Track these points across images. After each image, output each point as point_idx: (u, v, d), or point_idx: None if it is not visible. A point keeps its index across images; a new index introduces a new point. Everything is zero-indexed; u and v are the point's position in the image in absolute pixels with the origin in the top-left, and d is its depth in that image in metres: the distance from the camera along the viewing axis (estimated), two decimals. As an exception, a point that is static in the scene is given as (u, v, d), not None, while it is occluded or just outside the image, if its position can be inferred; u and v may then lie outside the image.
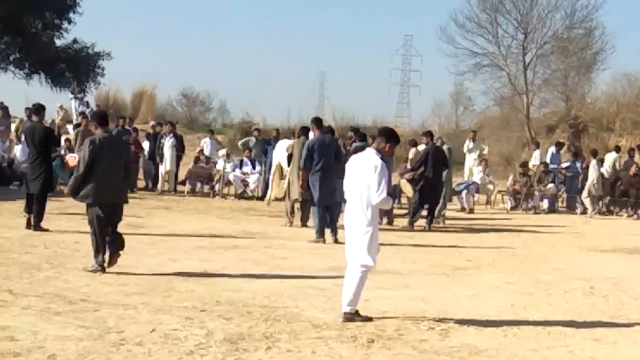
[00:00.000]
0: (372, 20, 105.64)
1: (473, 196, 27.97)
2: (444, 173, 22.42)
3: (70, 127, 30.18)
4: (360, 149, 16.92)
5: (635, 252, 18.20)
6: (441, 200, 22.52)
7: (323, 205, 17.85)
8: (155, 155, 28.61)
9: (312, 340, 9.10)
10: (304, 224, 20.08)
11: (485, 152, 31.13)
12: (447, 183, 23.41)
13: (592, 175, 27.48)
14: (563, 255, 17.25)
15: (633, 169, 28.28)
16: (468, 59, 50.79)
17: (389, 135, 10.49)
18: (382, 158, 10.18)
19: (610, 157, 29.70)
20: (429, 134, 22.53)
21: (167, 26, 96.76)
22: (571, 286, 13.32)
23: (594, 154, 28.96)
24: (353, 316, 10.06)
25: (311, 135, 19.21)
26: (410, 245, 17.34)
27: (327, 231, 17.68)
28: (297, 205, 20.42)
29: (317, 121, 19.28)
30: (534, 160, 32.08)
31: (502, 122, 50.38)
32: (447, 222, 22.91)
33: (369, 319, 10.09)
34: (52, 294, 10.80)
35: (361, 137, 20.85)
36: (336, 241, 17.07)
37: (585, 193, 27.72)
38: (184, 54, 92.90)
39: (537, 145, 34.20)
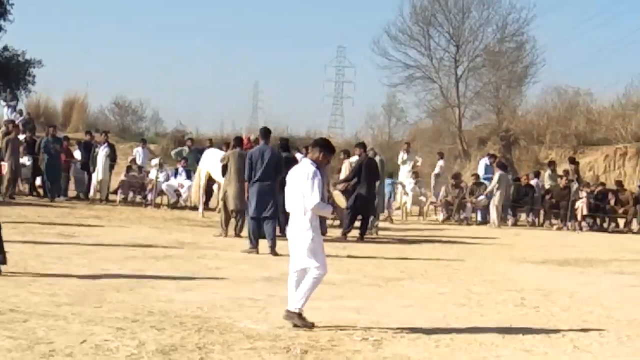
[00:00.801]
0: (306, 30, 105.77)
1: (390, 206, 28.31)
2: (377, 184, 22.53)
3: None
4: (286, 160, 17.06)
5: (565, 264, 18.38)
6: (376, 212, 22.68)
7: (255, 217, 17.77)
8: (89, 165, 28.36)
9: (245, 351, 9.05)
10: (237, 233, 20.02)
11: (419, 163, 31.34)
12: (379, 195, 23.49)
13: (495, 186, 27.55)
14: (495, 267, 17.37)
15: (563, 182, 28.61)
16: (401, 71, 51.19)
17: (323, 146, 10.60)
18: (317, 167, 10.27)
19: (547, 175, 30.07)
20: (362, 146, 22.61)
21: (100, 34, 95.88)
22: (502, 297, 13.41)
23: (501, 166, 29.12)
24: (294, 315, 10.09)
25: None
26: (344, 257, 17.37)
27: (263, 242, 17.59)
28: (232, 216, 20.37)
29: (264, 132, 18.91)
30: (437, 169, 32.42)
31: (435, 134, 50.77)
32: (380, 233, 22.96)
33: (310, 325, 10.11)
34: (-20, 305, 10.62)
35: (284, 147, 20.68)
36: (273, 253, 17.07)
37: (492, 204, 27.80)
38: (116, 63, 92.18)
39: (442, 156, 34.18)
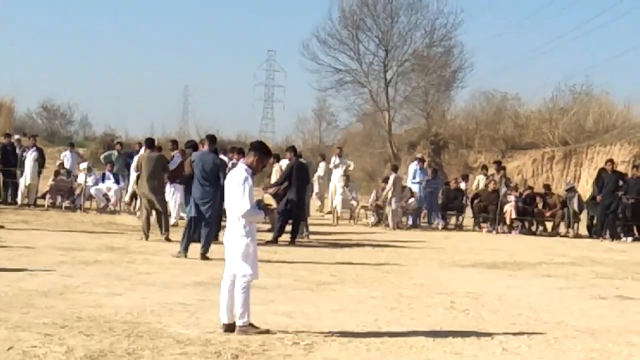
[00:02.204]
0: (236, 34, 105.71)
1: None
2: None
3: None
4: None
5: (494, 267, 18.53)
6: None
7: (192, 220, 17.72)
8: (17, 169, 28.06)
9: (176, 357, 8.98)
10: (166, 235, 19.95)
11: (352, 168, 31.39)
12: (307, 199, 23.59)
13: (391, 188, 27.77)
14: (425, 270, 17.45)
15: (491, 185, 28.88)
16: (330, 75, 51.48)
17: (259, 149, 10.56)
18: (253, 172, 10.29)
19: (481, 178, 30.30)
20: (293, 149, 22.58)
21: (28, 36, 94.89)
22: (433, 300, 13.48)
23: (395, 168, 29.39)
24: (247, 329, 10.05)
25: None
26: (276, 261, 17.33)
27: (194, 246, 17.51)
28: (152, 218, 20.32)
29: (210, 138, 18.82)
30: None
31: (365, 138, 51.07)
32: (311, 237, 22.97)
33: (265, 332, 10.12)
34: None
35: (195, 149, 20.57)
36: (203, 257, 17.01)
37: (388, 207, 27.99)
38: (44, 66, 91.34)
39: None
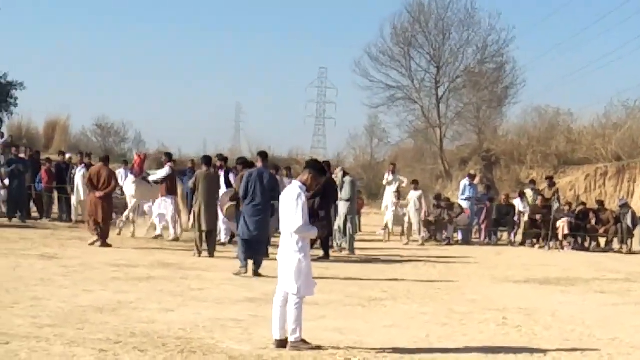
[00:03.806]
0: (288, 52, 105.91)
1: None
2: (346, 205, 22.68)
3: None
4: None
5: (546, 283, 18.39)
6: (347, 232, 22.73)
7: (244, 238, 17.52)
8: (67, 186, 28.31)
9: (228, 372, 9.02)
10: (211, 254, 20.01)
11: (405, 184, 31.23)
12: (353, 215, 23.55)
13: (413, 205, 27.78)
14: (477, 286, 17.36)
15: (540, 201, 28.70)
16: (382, 92, 51.40)
17: (314, 167, 10.69)
18: (307, 190, 10.37)
19: (529, 193, 30.10)
20: (327, 165, 22.01)
21: (83, 56, 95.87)
22: (485, 317, 13.40)
23: (415, 184, 29.27)
24: (299, 345, 10.06)
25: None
26: (328, 277, 17.32)
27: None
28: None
29: (262, 155, 18.80)
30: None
31: (416, 154, 50.90)
32: (362, 253, 22.93)
33: (317, 348, 10.13)
34: (-38, 327, 10.56)
35: (246, 165, 20.52)
36: (256, 274, 16.99)
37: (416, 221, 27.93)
38: (99, 85, 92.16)
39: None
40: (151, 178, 24.81)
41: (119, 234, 24.10)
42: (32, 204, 29.52)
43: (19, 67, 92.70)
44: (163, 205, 23.88)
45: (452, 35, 50.68)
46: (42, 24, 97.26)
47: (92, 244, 21.31)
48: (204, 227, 20.07)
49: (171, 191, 23.66)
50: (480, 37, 50.52)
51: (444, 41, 50.61)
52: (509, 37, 50.04)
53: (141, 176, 25.13)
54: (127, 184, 25.48)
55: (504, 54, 50.60)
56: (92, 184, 21.90)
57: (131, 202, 25.06)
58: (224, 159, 24.35)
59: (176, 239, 23.36)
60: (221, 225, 22.93)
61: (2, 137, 36.04)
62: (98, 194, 21.74)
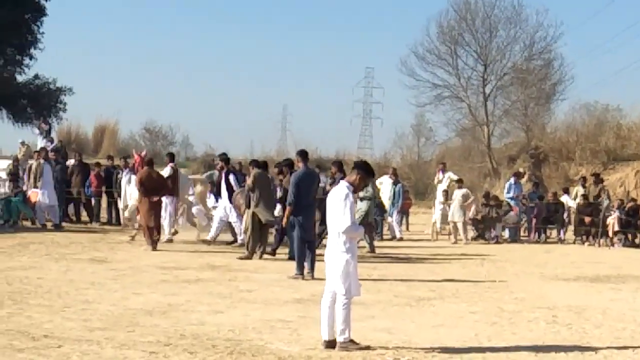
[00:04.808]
0: (334, 52, 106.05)
1: (400, 224, 29.05)
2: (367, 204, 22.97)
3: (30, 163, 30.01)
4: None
5: (596, 280, 18.26)
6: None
7: (306, 241, 17.41)
8: (114, 190, 28.43)
9: (277, 373, 9.05)
10: (265, 253, 20.07)
11: (456, 179, 31.05)
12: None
13: (457, 204, 27.74)
14: (526, 285, 17.27)
15: (581, 200, 28.52)
16: (429, 91, 51.29)
17: (361, 168, 10.73)
18: (354, 190, 10.42)
19: (579, 190, 29.86)
20: (338, 164, 21.15)
21: (130, 61, 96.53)
22: (534, 315, 13.34)
23: (460, 182, 29.24)
24: (348, 345, 10.12)
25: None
26: (375, 277, 17.32)
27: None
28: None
29: (303, 154, 18.54)
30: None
31: (464, 152, 50.70)
32: (407, 252, 22.92)
33: (366, 348, 10.17)
34: (15, 331, 10.68)
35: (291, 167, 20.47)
36: (312, 277, 16.83)
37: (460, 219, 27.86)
38: (146, 89, 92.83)
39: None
40: None
41: (133, 239, 23.53)
42: (82, 208, 29.81)
43: (68, 72, 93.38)
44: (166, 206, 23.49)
45: (499, 32, 50.47)
46: (90, 29, 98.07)
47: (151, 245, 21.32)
48: (265, 220, 20.06)
49: (172, 192, 23.49)
50: (527, 34, 50.24)
51: (491, 39, 50.39)
52: (557, 33, 49.70)
53: None
54: (132, 186, 24.90)
55: (551, 51, 50.27)
56: (144, 189, 21.74)
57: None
58: (225, 159, 24.26)
59: (170, 240, 23.27)
60: (234, 225, 23.15)
61: (52, 142, 36.41)
62: (153, 198, 21.71)
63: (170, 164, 24.07)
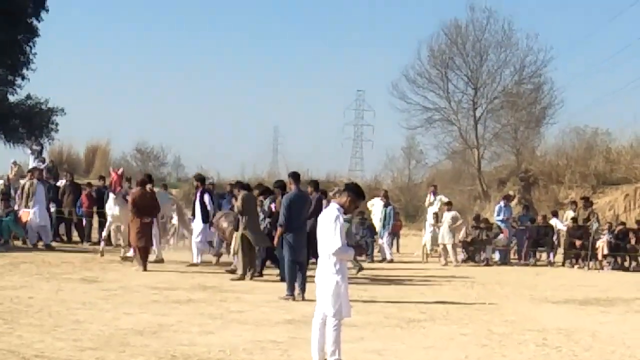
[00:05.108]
0: (325, 75, 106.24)
1: (391, 246, 29.03)
2: None
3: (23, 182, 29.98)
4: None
5: (586, 303, 18.27)
6: None
7: (297, 261, 17.42)
8: (104, 211, 28.33)
9: (268, 394, 9.05)
10: (257, 274, 20.06)
11: (445, 199, 31.08)
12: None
13: (446, 226, 27.89)
14: (515, 307, 17.28)
15: (571, 223, 28.60)
16: (419, 114, 51.27)
17: (352, 190, 10.70)
18: (344, 212, 10.42)
19: (570, 214, 29.91)
20: (314, 184, 21.34)
21: (121, 82, 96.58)
22: (524, 337, 13.35)
23: (449, 205, 29.32)
24: None
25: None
26: (366, 299, 17.31)
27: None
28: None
29: (295, 176, 18.61)
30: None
31: (454, 175, 50.70)
32: (400, 273, 22.92)
33: None
34: (5, 350, 10.66)
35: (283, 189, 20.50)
36: (303, 298, 16.83)
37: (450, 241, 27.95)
38: (137, 110, 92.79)
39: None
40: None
41: (124, 259, 23.43)
42: (73, 227, 29.79)
43: (59, 93, 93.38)
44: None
45: (489, 56, 50.48)
46: (82, 49, 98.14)
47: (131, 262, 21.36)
48: (259, 244, 20.23)
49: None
50: (517, 58, 50.26)
51: (482, 62, 50.43)
52: (547, 57, 49.66)
53: (120, 193, 24.28)
54: (109, 203, 24.71)
55: (541, 75, 50.27)
56: (137, 209, 21.72)
57: (114, 222, 24.85)
58: (200, 179, 24.39)
59: (160, 260, 23.28)
60: (194, 246, 23.23)
61: (44, 162, 36.39)
62: (145, 219, 21.70)
63: (148, 185, 23.74)
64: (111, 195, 24.64)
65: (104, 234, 25.63)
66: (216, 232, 23.14)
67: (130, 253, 22.78)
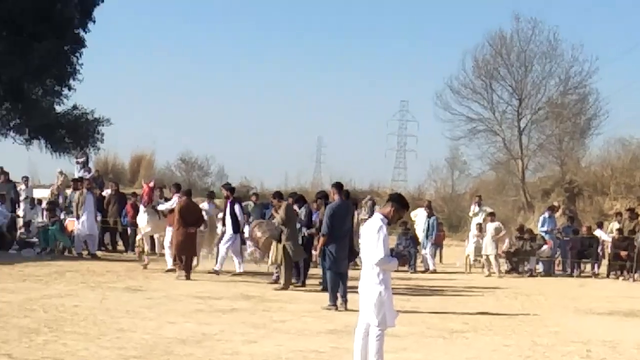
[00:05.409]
0: (368, 85, 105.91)
1: (433, 256, 28.87)
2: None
3: (69, 192, 30.20)
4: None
5: (631, 315, 18.10)
6: None
7: (339, 272, 17.41)
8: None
9: (310, 403, 9.05)
10: (286, 287, 20.07)
11: (489, 210, 30.96)
12: None
13: (489, 237, 27.75)
14: (560, 318, 17.17)
15: (616, 234, 28.36)
16: (463, 124, 51.20)
17: (396, 201, 10.75)
18: (388, 222, 10.43)
19: (615, 226, 29.65)
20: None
21: (166, 92, 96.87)
22: (568, 349, 13.26)
23: (492, 216, 29.23)
24: None
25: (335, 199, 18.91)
26: (408, 309, 17.26)
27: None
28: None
29: (338, 186, 18.61)
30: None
31: (498, 186, 50.48)
32: (442, 284, 22.86)
33: None
34: (51, 358, 10.75)
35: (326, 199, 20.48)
36: (346, 308, 16.80)
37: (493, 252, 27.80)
38: (182, 120, 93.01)
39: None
40: (160, 207, 24.47)
41: (145, 267, 23.55)
42: (117, 237, 30.00)
43: (105, 103, 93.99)
44: (169, 235, 23.29)
45: (534, 67, 50.32)
46: (128, 60, 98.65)
47: (175, 274, 21.46)
48: (297, 258, 20.30)
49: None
50: (562, 68, 50.05)
51: (526, 73, 50.27)
52: (592, 68, 49.40)
53: (150, 205, 24.56)
54: (140, 216, 24.94)
55: (586, 86, 50.00)
56: (182, 219, 21.80)
57: (145, 232, 24.97)
58: (230, 189, 24.41)
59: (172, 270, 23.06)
60: (221, 254, 23.36)
61: (90, 172, 36.65)
62: (191, 230, 21.83)
63: (177, 195, 23.86)
64: (141, 208, 24.86)
65: (137, 242, 25.86)
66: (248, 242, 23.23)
67: (169, 263, 22.91)
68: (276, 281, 20.92)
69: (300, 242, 20.64)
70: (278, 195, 21.85)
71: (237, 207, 23.38)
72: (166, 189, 30.70)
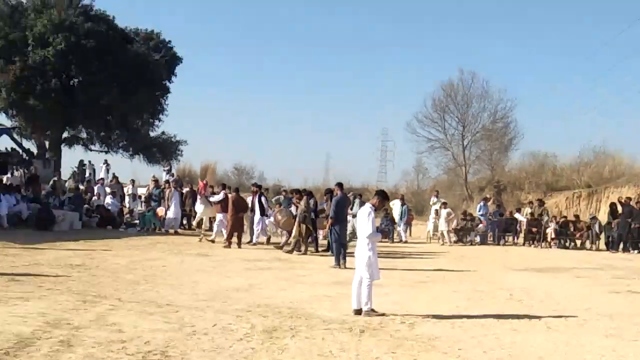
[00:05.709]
0: (362, 114, 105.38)
1: (405, 232, 28.57)
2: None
3: (157, 191, 30.15)
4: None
5: (540, 271, 18.00)
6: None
7: (341, 243, 17.40)
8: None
9: (322, 331, 9.04)
10: (299, 250, 20.01)
11: (443, 201, 30.87)
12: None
13: (443, 219, 27.97)
14: (492, 273, 17.06)
15: (529, 216, 28.43)
16: (425, 143, 51.54)
17: (381, 194, 10.93)
18: (375, 209, 10.53)
19: (528, 210, 29.56)
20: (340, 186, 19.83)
21: (226, 116, 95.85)
22: (497, 293, 13.21)
23: (445, 204, 29.21)
24: (370, 312, 10.12)
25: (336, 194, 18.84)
26: (389, 267, 17.19)
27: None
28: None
29: (340, 185, 18.84)
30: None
31: (449, 184, 50.58)
32: (412, 251, 22.76)
33: (382, 314, 10.16)
34: (148, 301, 10.74)
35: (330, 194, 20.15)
36: (345, 267, 16.67)
37: (445, 229, 27.83)
38: (235, 139, 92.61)
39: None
40: (211, 199, 24.63)
41: (200, 240, 23.08)
42: (192, 220, 29.96)
43: (184, 128, 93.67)
44: (219, 219, 23.28)
45: (473, 104, 50.64)
46: (200, 97, 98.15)
47: (228, 246, 21.30)
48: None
49: (224, 209, 22.65)
50: (492, 105, 50.36)
51: (468, 108, 50.55)
52: (513, 105, 50.13)
53: (204, 196, 25.41)
54: (197, 204, 25.82)
55: (509, 116, 50.32)
56: (235, 208, 21.81)
57: (201, 216, 25.86)
58: (258, 186, 24.39)
59: (212, 241, 22.69)
60: (255, 229, 23.06)
61: (173, 176, 36.69)
62: (240, 215, 21.86)
63: (223, 191, 23.74)
64: (198, 197, 25.94)
65: (194, 224, 26.22)
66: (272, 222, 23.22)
67: (214, 237, 22.94)
68: (281, 247, 20.92)
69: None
70: (297, 191, 21.87)
71: (263, 199, 23.37)
72: (215, 186, 30.68)
